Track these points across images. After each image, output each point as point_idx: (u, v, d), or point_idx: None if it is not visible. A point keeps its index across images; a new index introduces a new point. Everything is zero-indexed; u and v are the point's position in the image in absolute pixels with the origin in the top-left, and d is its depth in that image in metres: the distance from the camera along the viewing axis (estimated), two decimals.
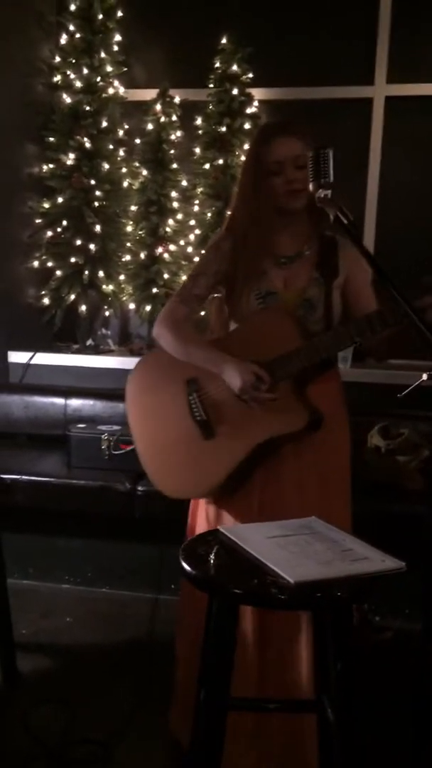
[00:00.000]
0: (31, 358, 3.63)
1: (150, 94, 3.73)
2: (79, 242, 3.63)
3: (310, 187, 1.65)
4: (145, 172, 3.67)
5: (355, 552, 1.26)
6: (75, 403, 3.56)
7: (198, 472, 1.82)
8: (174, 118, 3.67)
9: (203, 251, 1.89)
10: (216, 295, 1.95)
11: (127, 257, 3.75)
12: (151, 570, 2.57)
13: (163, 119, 3.64)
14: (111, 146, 3.66)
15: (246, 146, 3.58)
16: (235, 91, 3.57)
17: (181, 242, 3.69)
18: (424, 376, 1.43)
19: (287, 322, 1.75)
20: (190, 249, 3.69)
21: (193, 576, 1.19)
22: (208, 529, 1.84)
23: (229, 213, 1.93)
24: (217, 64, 3.61)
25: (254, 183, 1.79)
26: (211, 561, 1.25)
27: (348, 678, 1.15)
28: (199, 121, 3.66)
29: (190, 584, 1.24)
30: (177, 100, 3.69)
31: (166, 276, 3.64)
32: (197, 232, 3.66)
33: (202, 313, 2.10)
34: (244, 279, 1.82)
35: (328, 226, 1.73)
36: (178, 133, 3.69)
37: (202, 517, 1.93)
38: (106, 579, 3.08)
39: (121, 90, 3.75)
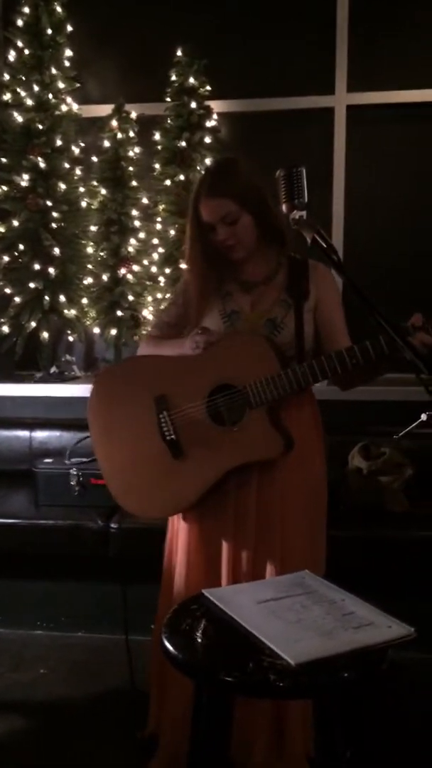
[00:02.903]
0: None
1: (105, 109, 3.59)
2: (37, 266, 3.46)
3: (284, 208, 1.55)
4: (103, 191, 3.52)
5: (357, 616, 1.14)
6: (40, 435, 3.40)
7: (166, 491, 1.81)
8: (131, 134, 3.53)
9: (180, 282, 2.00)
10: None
11: (89, 280, 3.58)
12: (128, 611, 2.41)
13: (119, 136, 3.49)
14: (67, 165, 3.50)
15: (207, 160, 3.47)
16: (193, 105, 3.45)
17: (145, 262, 3.55)
18: (423, 417, 1.33)
19: (266, 349, 1.74)
20: (154, 269, 3.54)
21: (179, 660, 1.05)
22: (183, 542, 1.87)
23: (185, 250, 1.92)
24: (174, 77, 3.49)
25: (198, 235, 1.83)
26: (198, 639, 1.10)
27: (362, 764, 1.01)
28: (157, 137, 3.52)
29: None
30: (133, 115, 3.55)
31: (131, 298, 3.48)
32: (161, 250, 3.52)
33: None
34: (209, 300, 1.86)
35: (295, 249, 1.85)
36: (136, 150, 3.56)
37: (180, 534, 1.91)
38: (80, 623, 2.91)
39: (75, 106, 3.59)
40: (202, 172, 1.86)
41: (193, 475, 1.76)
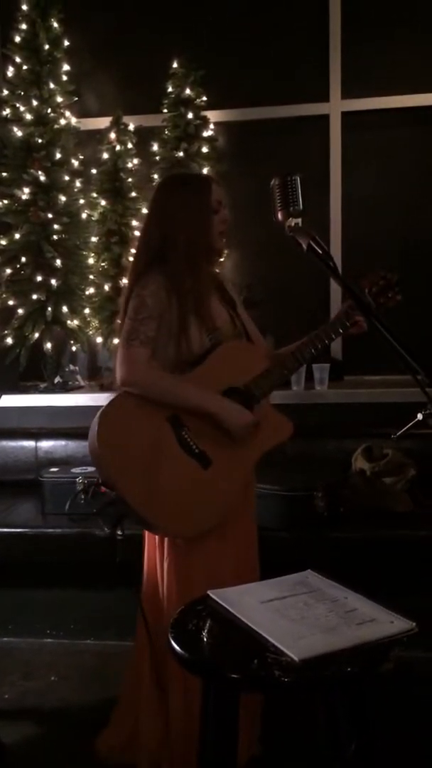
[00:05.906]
0: None
1: (103, 122, 3.64)
2: (39, 278, 3.51)
3: (279, 216, 1.59)
4: (103, 203, 3.57)
5: (359, 613, 1.16)
6: (46, 445, 3.43)
7: (206, 504, 1.83)
8: (129, 145, 3.58)
9: (142, 295, 1.87)
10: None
11: (91, 290, 3.63)
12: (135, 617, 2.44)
13: (118, 147, 3.54)
14: (67, 178, 3.56)
15: (205, 170, 3.51)
16: (190, 115, 3.50)
17: None
18: (419, 416, 1.36)
19: (254, 349, 1.97)
20: None
21: (186, 659, 1.07)
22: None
23: (176, 260, 1.88)
24: (170, 89, 3.54)
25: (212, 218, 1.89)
26: (204, 639, 1.13)
27: (366, 756, 1.04)
28: (155, 147, 3.58)
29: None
30: (131, 127, 3.61)
31: None
32: None
33: None
34: (200, 319, 1.86)
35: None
36: (135, 161, 3.61)
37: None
38: (90, 630, 2.93)
39: (73, 120, 3.65)
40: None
41: (225, 478, 1.84)
